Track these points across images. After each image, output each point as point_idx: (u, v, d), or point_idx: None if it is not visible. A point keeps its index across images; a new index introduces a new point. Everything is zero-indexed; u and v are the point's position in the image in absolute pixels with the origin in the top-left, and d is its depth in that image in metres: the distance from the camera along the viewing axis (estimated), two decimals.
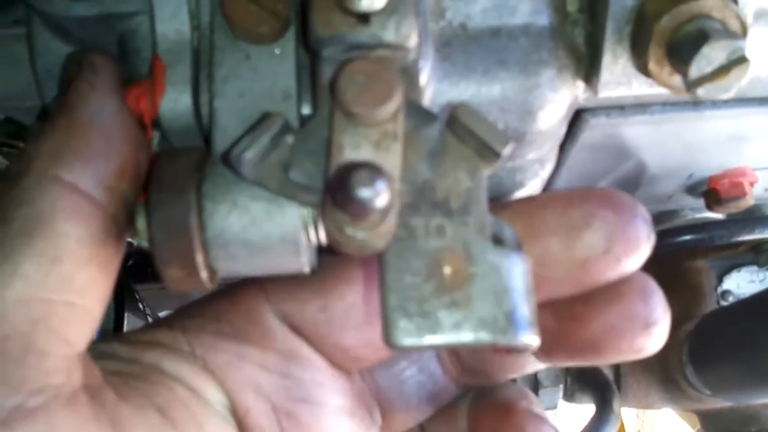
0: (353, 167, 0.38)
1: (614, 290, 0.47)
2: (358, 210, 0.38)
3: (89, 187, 0.43)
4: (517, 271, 0.41)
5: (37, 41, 0.55)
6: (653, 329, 0.47)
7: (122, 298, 0.87)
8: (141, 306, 1.15)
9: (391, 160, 0.41)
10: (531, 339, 0.40)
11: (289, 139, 0.44)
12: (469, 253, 0.41)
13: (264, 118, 0.44)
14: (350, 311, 0.51)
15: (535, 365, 0.54)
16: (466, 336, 0.40)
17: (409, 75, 0.45)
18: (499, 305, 0.40)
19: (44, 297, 0.40)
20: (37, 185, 0.41)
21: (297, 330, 0.52)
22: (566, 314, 0.48)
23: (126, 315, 0.99)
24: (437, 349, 0.41)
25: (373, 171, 0.38)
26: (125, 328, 1.02)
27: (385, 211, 0.39)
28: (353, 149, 0.41)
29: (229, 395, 0.50)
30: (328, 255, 0.47)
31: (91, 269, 0.42)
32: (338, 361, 0.52)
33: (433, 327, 0.40)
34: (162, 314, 1.29)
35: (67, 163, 0.42)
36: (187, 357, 0.49)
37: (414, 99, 0.44)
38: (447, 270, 0.41)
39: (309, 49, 0.46)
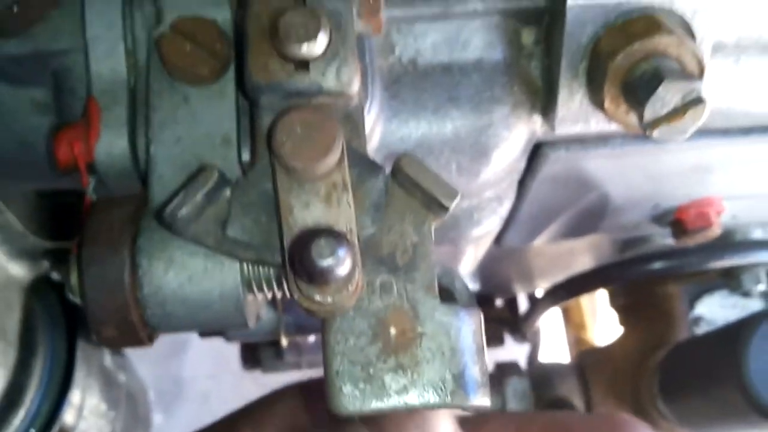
0: (310, 237, 0.37)
1: None
2: (323, 280, 0.37)
3: None
4: (466, 329, 0.40)
5: None
6: None
7: (73, 350, 0.85)
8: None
9: (345, 213, 0.40)
10: (481, 401, 0.39)
11: (226, 192, 0.42)
12: (417, 312, 0.40)
13: (199, 171, 0.42)
14: None
15: None
16: (412, 400, 0.39)
17: (353, 121, 0.43)
18: (448, 367, 0.39)
19: None
20: None
21: None
22: None
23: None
24: (383, 413, 0.40)
25: (334, 239, 0.37)
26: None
27: (350, 274, 0.37)
28: (303, 208, 0.40)
29: None
30: None
31: None
32: None
33: (378, 392, 0.39)
34: None
35: None
36: None
37: (357, 147, 0.42)
38: (393, 331, 0.40)
39: (246, 96, 0.44)
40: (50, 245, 0.82)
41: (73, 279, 0.43)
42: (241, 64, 0.44)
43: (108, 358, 1.18)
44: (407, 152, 0.41)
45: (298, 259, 0.37)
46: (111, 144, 0.47)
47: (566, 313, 1.48)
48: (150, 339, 0.44)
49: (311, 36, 0.40)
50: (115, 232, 0.43)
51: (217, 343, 2.12)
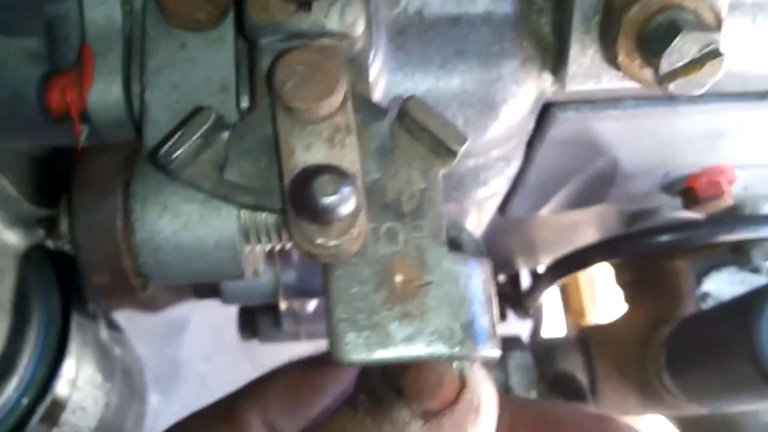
0: (313, 173, 0.35)
1: None
2: (326, 219, 0.35)
3: None
4: (476, 278, 0.38)
5: None
6: None
7: (67, 320, 0.84)
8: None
9: (349, 156, 0.38)
10: (491, 352, 0.38)
11: (224, 135, 0.40)
12: (423, 259, 0.38)
13: (195, 112, 0.40)
14: None
15: None
16: (419, 350, 0.37)
17: (357, 65, 0.42)
18: (456, 316, 0.37)
19: None
20: None
21: None
22: None
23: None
24: (389, 364, 0.38)
25: (335, 174, 0.35)
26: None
27: (354, 214, 0.36)
28: (305, 151, 0.38)
29: None
30: None
31: None
32: None
33: (383, 341, 0.37)
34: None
35: None
36: None
37: (362, 91, 0.41)
38: (399, 278, 0.38)
39: (246, 37, 0.42)
40: (45, 213, 0.80)
41: (64, 226, 0.41)
42: (240, 9, 0.43)
43: (104, 331, 1.17)
44: (413, 95, 0.39)
45: (300, 197, 0.35)
46: (105, 91, 0.46)
47: (566, 300, 1.47)
48: (143, 288, 0.43)
49: None
50: (107, 177, 0.41)
51: (215, 324, 2.12)
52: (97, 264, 0.41)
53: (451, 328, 0.37)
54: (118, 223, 0.41)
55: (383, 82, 0.49)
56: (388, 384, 0.38)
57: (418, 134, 0.39)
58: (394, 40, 0.49)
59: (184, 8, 0.44)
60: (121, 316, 1.27)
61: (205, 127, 0.39)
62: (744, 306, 0.72)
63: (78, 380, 1.00)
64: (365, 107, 0.40)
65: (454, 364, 0.38)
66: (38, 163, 0.87)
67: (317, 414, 0.47)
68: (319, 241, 0.36)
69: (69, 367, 1.03)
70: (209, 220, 0.41)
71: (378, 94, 0.49)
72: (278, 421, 0.47)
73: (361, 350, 0.37)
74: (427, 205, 0.39)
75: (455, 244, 0.40)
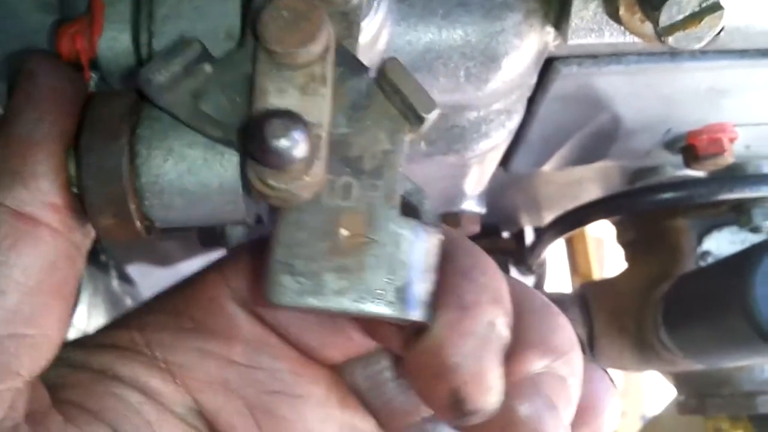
0: (268, 115, 0.36)
1: None
2: (275, 161, 0.36)
3: (34, 210, 0.40)
4: (420, 246, 0.39)
5: None
6: None
7: None
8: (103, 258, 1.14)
9: (318, 105, 0.38)
10: (419, 316, 0.38)
11: (206, 68, 0.41)
12: (372, 218, 0.38)
13: (181, 42, 0.41)
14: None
15: None
16: (348, 304, 0.38)
17: (348, 20, 0.41)
18: (392, 278, 0.38)
19: None
20: None
21: (261, 319, 0.47)
22: None
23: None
24: (318, 313, 0.39)
25: (290, 119, 0.36)
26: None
27: (308, 161, 0.36)
28: (277, 94, 0.39)
29: (193, 396, 0.46)
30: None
31: (41, 297, 0.39)
32: (309, 353, 0.48)
33: (315, 289, 0.37)
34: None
35: (7, 185, 0.39)
36: (145, 358, 0.46)
37: (348, 46, 0.41)
38: (344, 232, 0.38)
39: None
40: None
41: (71, 169, 0.42)
42: None
43: (115, 282, 1.19)
44: (394, 57, 0.39)
45: (252, 137, 0.36)
46: (114, 39, 0.47)
47: (573, 262, 1.48)
48: (147, 231, 0.44)
49: None
50: (115, 121, 0.42)
51: None
52: (102, 206, 0.42)
53: (384, 289, 0.37)
54: (124, 166, 0.41)
55: (386, 32, 0.49)
56: None
57: (392, 96, 0.39)
58: None
59: None
60: (134, 271, 1.28)
61: (189, 57, 0.40)
62: (738, 262, 0.73)
63: (88, 328, 1.02)
64: (347, 62, 0.40)
65: None
66: None
67: None
68: (270, 182, 0.36)
69: (80, 315, 1.05)
70: (212, 165, 0.42)
71: (381, 44, 0.50)
72: (243, 286, 0.47)
73: (292, 295, 0.37)
74: (387, 167, 0.39)
75: (413, 210, 0.40)
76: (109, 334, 0.47)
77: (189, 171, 0.42)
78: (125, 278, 1.24)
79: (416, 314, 0.38)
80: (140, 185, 0.42)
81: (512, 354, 0.40)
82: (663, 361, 0.91)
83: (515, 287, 0.42)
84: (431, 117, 0.39)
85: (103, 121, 0.42)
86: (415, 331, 0.40)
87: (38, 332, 0.39)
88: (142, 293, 1.25)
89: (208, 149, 0.42)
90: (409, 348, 0.40)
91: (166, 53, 0.40)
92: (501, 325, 0.39)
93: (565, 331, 0.42)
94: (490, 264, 0.41)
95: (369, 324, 0.45)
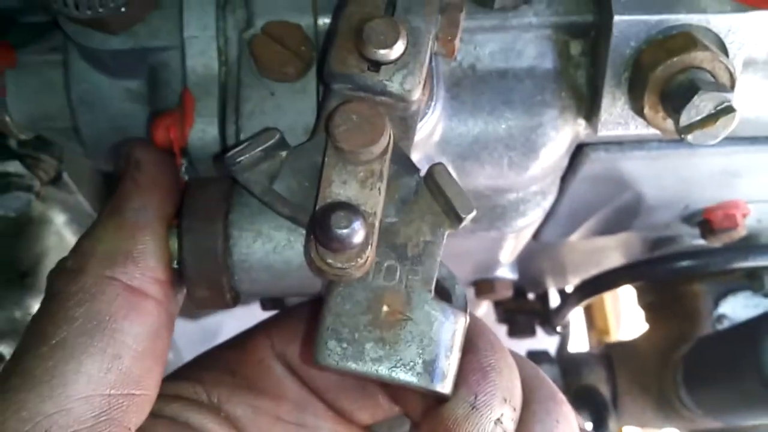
0: (333, 207, 0.42)
1: None
2: (336, 246, 0.42)
3: (143, 284, 0.45)
4: (448, 327, 0.44)
5: (72, 69, 0.59)
6: None
7: None
8: None
9: (374, 198, 0.45)
10: (442, 388, 0.44)
11: (283, 154, 0.48)
12: (410, 298, 0.45)
13: (264, 131, 0.48)
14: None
15: None
16: (383, 371, 0.44)
17: (406, 125, 0.48)
18: (422, 353, 0.44)
19: (105, 392, 0.43)
20: (96, 285, 0.44)
21: (304, 382, 0.53)
22: None
23: None
24: (356, 377, 0.45)
25: (351, 212, 0.42)
26: None
27: (362, 246, 0.43)
28: (341, 185, 0.45)
29: None
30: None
31: (147, 361, 0.45)
32: (343, 415, 0.53)
33: (356, 355, 0.44)
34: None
35: (121, 263, 0.45)
36: (209, 409, 0.51)
37: (404, 148, 0.48)
38: (385, 308, 0.44)
39: (322, 80, 0.50)
40: None
41: (173, 246, 0.48)
42: (322, 64, 0.50)
43: None
44: (441, 162, 0.46)
45: (320, 224, 0.42)
46: (203, 131, 0.53)
47: (590, 318, 1.51)
48: (234, 302, 0.49)
49: (389, 44, 0.46)
50: (211, 207, 0.48)
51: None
52: (199, 280, 0.48)
53: (414, 361, 0.44)
54: (219, 246, 0.47)
55: (441, 126, 0.56)
56: None
57: (437, 196, 0.46)
58: (450, 91, 0.56)
59: (275, 62, 0.51)
60: None
61: (269, 143, 0.47)
62: (753, 327, 0.78)
63: None
64: (401, 161, 0.47)
65: None
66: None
67: None
68: (329, 260, 0.43)
69: None
70: (295, 245, 0.47)
71: (436, 136, 0.56)
72: (287, 350, 0.53)
73: (336, 358, 0.44)
74: (427, 255, 0.46)
75: (446, 294, 0.46)
76: (175, 386, 0.52)
77: (274, 250, 0.48)
78: None
79: (440, 386, 0.44)
80: (232, 263, 0.48)
81: None
82: (683, 418, 0.94)
83: (528, 374, 0.48)
84: (469, 217, 0.46)
85: (201, 208, 0.48)
86: (434, 401, 0.46)
87: (143, 393, 0.45)
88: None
89: (291, 231, 0.48)
90: (426, 416, 0.47)
91: (250, 139, 0.47)
92: (507, 420, 0.45)
93: (568, 421, 0.47)
94: (507, 362, 0.46)
95: (395, 391, 0.51)
